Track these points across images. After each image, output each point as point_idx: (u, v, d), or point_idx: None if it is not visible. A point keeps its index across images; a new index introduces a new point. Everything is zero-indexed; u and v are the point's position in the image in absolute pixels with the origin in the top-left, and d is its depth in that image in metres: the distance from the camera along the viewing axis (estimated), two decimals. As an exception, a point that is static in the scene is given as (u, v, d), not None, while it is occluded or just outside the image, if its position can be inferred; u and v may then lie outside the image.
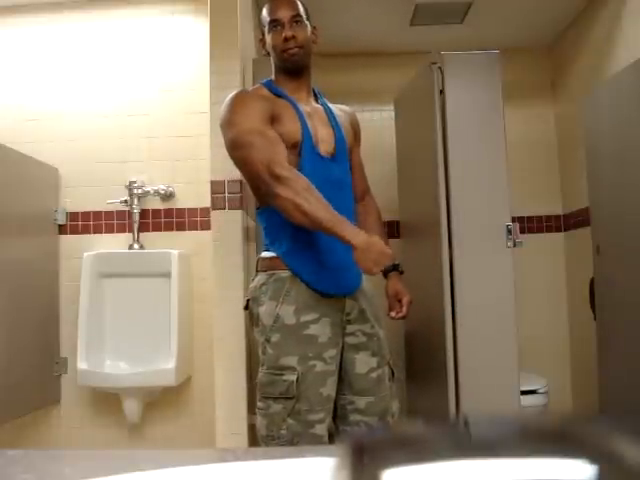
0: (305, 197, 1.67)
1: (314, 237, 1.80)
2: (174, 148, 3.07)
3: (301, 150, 1.83)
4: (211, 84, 2.46)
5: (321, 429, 1.76)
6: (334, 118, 1.96)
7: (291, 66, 1.89)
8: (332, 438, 1.84)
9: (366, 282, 1.93)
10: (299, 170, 1.77)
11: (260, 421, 1.78)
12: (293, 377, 1.74)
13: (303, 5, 1.94)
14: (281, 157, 1.74)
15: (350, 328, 1.86)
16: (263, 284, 1.83)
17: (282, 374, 1.75)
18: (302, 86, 1.93)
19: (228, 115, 1.80)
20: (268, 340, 1.79)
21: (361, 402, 1.84)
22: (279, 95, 1.89)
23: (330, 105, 2.01)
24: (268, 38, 1.90)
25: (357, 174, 2.09)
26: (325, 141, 1.90)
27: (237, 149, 1.78)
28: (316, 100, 2.00)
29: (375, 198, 2.20)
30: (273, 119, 1.81)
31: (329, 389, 1.78)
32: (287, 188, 1.68)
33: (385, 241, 1.78)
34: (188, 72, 3.10)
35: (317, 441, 1.73)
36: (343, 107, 2.10)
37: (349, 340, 1.85)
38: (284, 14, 1.87)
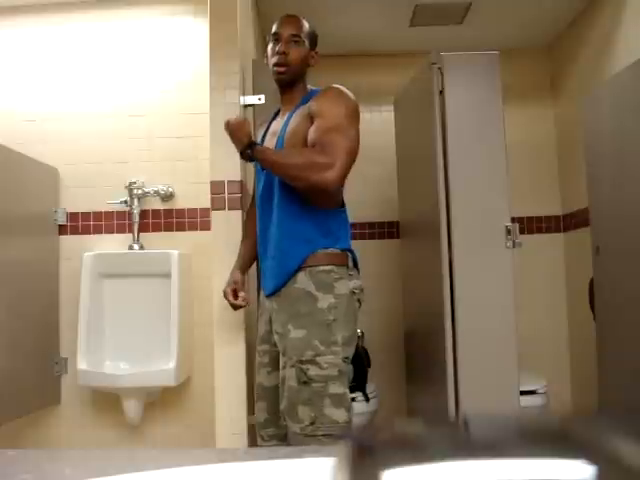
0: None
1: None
2: (174, 148, 3.07)
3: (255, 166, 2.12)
4: (211, 85, 2.46)
5: (255, 409, 2.06)
6: (286, 125, 2.00)
7: (276, 81, 2.06)
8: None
9: (300, 283, 1.90)
10: None
11: None
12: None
13: (310, 29, 2.06)
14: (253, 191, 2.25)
15: (272, 326, 1.98)
16: None
17: None
18: (288, 98, 2.06)
19: None
20: None
21: None
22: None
23: (299, 107, 1.99)
24: (268, 48, 2.07)
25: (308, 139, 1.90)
26: None
27: None
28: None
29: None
30: None
31: (262, 378, 2.04)
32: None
33: (268, 154, 1.88)
34: (188, 73, 3.10)
35: (255, 419, 2.07)
36: (315, 95, 1.99)
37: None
38: (284, 30, 2.02)
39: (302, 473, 0.54)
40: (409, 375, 3.36)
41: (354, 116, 1.93)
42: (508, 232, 2.53)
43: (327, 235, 1.95)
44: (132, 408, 2.82)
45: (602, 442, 0.28)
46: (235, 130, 1.88)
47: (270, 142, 2.05)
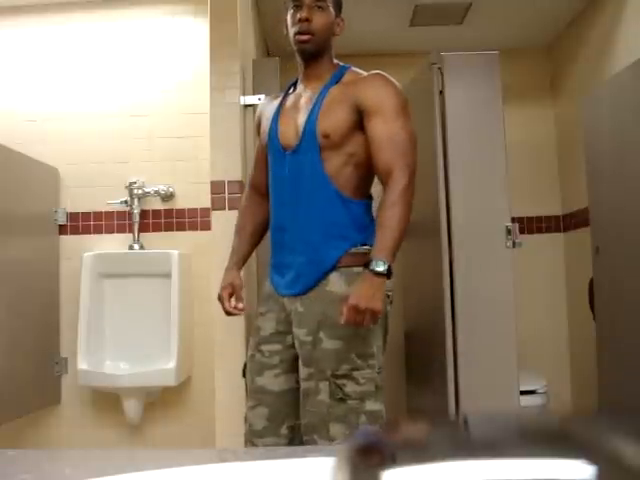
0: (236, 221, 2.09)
1: (271, 236, 1.94)
2: (174, 148, 3.07)
3: (269, 147, 1.90)
4: (211, 85, 2.46)
5: (250, 416, 1.86)
6: (319, 104, 1.79)
7: (299, 52, 1.85)
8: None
9: (333, 286, 1.75)
10: (269, 168, 1.93)
11: None
12: (245, 360, 1.96)
13: None
14: (249, 182, 2.11)
15: (293, 329, 1.80)
16: None
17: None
18: (313, 72, 1.86)
19: None
20: None
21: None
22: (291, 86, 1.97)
23: (332, 86, 1.82)
24: (287, 17, 1.85)
25: (371, 150, 1.75)
26: (288, 133, 1.84)
27: None
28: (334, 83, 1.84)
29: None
30: (260, 125, 2.00)
31: (267, 381, 1.84)
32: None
33: (388, 245, 1.67)
34: (188, 73, 3.10)
35: (246, 425, 1.87)
36: (354, 79, 1.83)
37: (295, 342, 1.80)
38: None
39: (302, 473, 0.54)
40: (409, 375, 3.36)
41: (407, 106, 1.78)
42: (508, 232, 2.53)
43: (362, 230, 1.77)
44: (132, 408, 2.82)
45: (602, 442, 0.28)
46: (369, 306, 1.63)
47: (290, 118, 1.84)
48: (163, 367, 2.75)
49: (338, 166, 1.77)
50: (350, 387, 1.68)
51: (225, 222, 2.41)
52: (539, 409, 2.90)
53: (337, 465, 0.30)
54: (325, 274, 1.76)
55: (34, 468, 0.61)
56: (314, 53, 1.83)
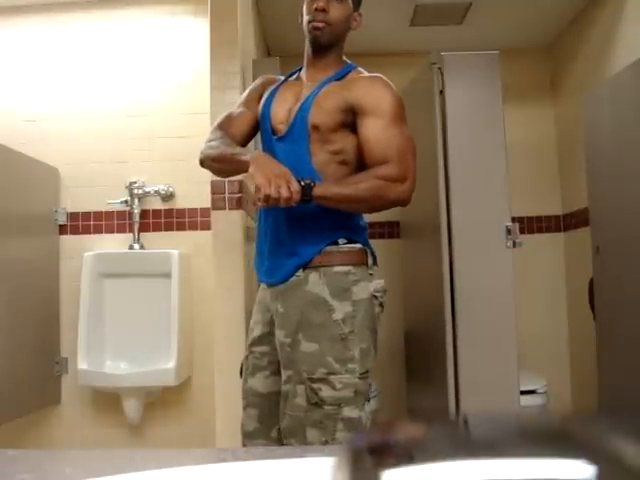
0: (210, 146, 1.82)
1: (258, 222, 1.86)
2: (174, 148, 3.07)
3: (260, 127, 1.87)
4: (211, 84, 2.46)
5: (243, 416, 1.82)
6: (313, 95, 1.75)
7: (310, 40, 1.80)
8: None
9: (312, 286, 1.67)
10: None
11: None
12: (242, 360, 1.90)
13: None
14: (221, 125, 1.90)
15: (275, 331, 1.74)
16: None
17: None
18: (319, 63, 1.82)
19: None
20: None
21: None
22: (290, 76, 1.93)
23: (331, 81, 1.78)
24: (304, 5, 1.80)
25: (365, 148, 1.70)
26: (279, 120, 1.80)
27: None
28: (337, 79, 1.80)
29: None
30: (259, 92, 1.93)
31: (257, 382, 1.80)
32: (204, 149, 1.85)
33: (336, 193, 1.61)
34: (188, 73, 3.11)
35: (241, 427, 1.83)
36: (353, 78, 1.79)
37: None
38: None
39: (302, 473, 0.54)
40: (409, 375, 3.36)
41: (404, 110, 1.73)
42: (508, 232, 2.53)
43: (346, 228, 1.72)
44: (132, 408, 2.82)
45: (602, 442, 0.28)
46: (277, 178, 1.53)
47: (285, 102, 1.81)
48: (163, 367, 2.75)
49: (324, 161, 1.72)
50: (326, 392, 1.62)
51: (225, 222, 2.41)
52: (539, 409, 2.90)
53: (337, 465, 0.30)
54: (303, 269, 1.69)
55: (34, 468, 0.61)
56: (326, 44, 1.79)
